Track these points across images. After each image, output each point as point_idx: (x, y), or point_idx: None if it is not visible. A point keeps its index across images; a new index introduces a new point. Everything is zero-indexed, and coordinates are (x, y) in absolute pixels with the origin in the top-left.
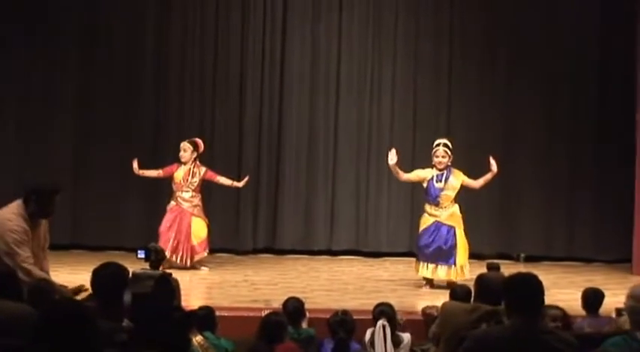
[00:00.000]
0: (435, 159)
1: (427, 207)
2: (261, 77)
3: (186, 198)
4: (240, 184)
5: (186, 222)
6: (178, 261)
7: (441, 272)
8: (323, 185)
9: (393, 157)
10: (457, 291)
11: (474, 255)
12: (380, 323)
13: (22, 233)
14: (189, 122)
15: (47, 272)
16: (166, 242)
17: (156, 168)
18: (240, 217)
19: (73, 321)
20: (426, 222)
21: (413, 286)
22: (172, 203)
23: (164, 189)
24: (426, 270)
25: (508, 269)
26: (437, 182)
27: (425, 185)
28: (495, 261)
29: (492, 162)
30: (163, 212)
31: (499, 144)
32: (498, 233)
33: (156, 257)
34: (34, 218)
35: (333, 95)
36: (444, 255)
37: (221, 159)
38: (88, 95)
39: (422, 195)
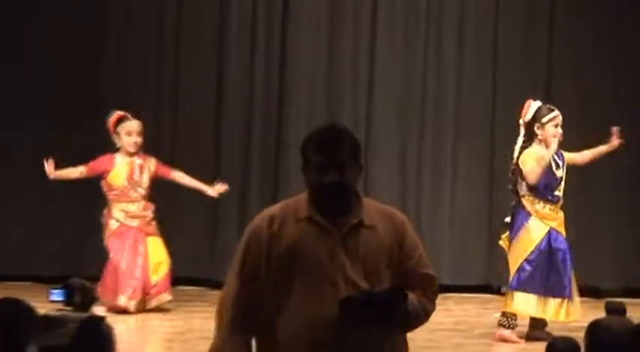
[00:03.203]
0: (552, 130)
1: (539, 207)
2: (252, 18)
3: (134, 212)
4: (212, 192)
5: (142, 249)
6: (133, 309)
7: (552, 309)
8: None
9: None
10: (558, 346)
11: (586, 291)
12: None
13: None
14: (140, 89)
15: None
16: (125, 284)
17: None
18: (219, 233)
19: None
20: (539, 232)
21: (491, 337)
22: (112, 222)
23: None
24: (533, 306)
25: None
26: (557, 168)
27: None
28: (619, 299)
29: (615, 130)
30: (100, 226)
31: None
32: (625, 259)
33: (83, 299)
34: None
35: (366, 40)
36: (560, 283)
37: (187, 147)
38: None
39: (523, 189)
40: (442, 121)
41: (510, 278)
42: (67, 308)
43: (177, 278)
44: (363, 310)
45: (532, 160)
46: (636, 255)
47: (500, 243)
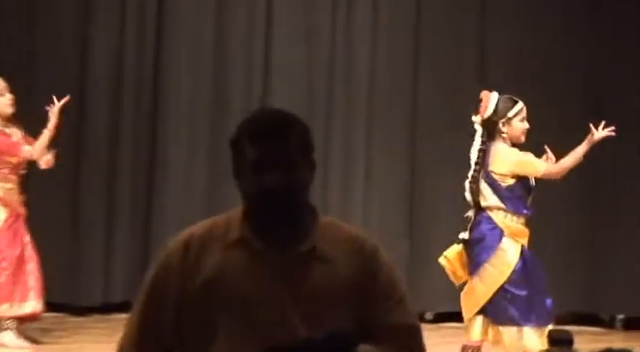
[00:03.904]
0: (520, 126)
1: (510, 222)
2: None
3: (20, 193)
4: (43, 164)
5: (26, 245)
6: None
7: (534, 337)
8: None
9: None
10: None
11: None
12: None
13: None
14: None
15: None
16: (36, 286)
17: None
18: (82, 246)
19: None
20: (514, 252)
21: None
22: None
23: None
24: (530, 337)
25: (593, 342)
26: None
27: (515, 180)
28: (567, 328)
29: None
30: None
31: (575, 117)
32: (578, 281)
33: None
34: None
35: (261, 17)
36: (541, 305)
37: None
38: None
39: (492, 200)
40: (353, 112)
41: (485, 310)
42: None
43: None
44: None
45: (521, 155)
46: (585, 278)
47: (442, 260)
